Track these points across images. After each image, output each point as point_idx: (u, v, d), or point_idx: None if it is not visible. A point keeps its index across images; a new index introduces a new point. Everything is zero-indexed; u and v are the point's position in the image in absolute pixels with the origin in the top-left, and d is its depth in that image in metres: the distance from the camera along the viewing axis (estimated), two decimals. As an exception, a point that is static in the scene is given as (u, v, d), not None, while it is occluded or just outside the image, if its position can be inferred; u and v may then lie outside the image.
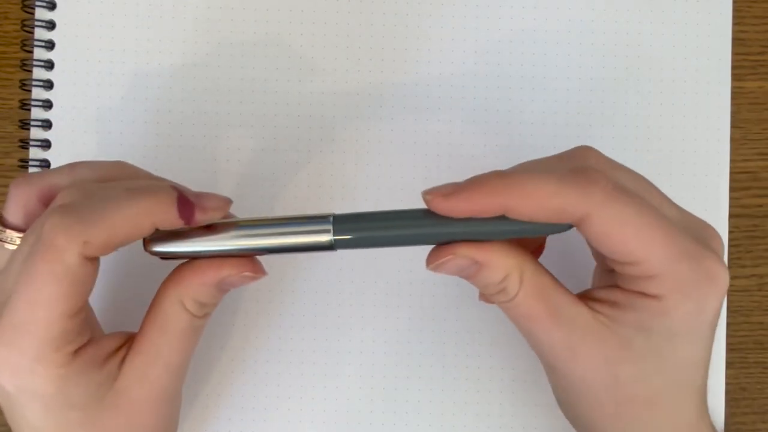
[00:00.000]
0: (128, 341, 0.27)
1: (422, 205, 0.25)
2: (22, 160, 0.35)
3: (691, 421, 0.27)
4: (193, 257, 0.26)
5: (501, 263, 0.25)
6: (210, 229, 0.26)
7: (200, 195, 0.26)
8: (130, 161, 0.35)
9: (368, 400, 0.34)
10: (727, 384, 0.35)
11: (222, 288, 0.27)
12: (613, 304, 0.26)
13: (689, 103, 0.35)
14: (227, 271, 0.26)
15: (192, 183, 0.35)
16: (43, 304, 0.24)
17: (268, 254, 0.26)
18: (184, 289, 0.26)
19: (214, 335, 0.34)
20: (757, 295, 0.36)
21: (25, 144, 0.35)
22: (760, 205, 0.36)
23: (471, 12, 0.36)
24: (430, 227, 0.25)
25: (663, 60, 0.36)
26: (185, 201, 0.25)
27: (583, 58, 0.36)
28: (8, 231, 0.27)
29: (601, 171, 0.25)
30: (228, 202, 0.27)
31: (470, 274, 0.25)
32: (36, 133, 0.35)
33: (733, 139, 0.36)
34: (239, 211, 0.35)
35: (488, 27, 0.36)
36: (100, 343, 0.27)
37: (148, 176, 0.30)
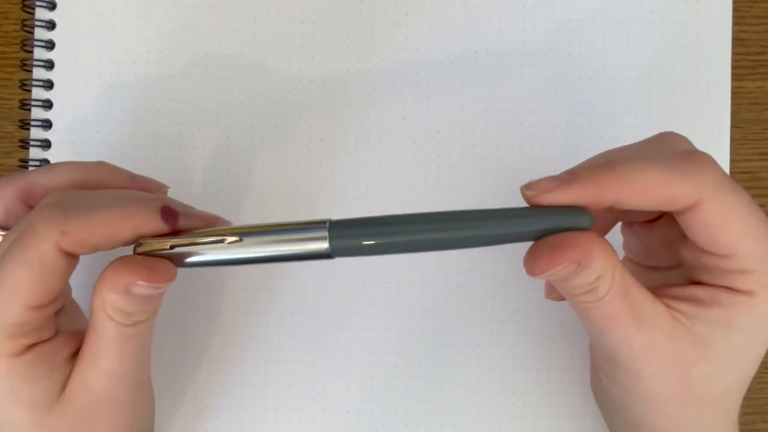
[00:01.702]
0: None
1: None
2: (22, 160, 0.35)
3: (734, 420, 0.27)
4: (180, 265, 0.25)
5: (598, 264, 0.23)
6: (185, 233, 0.25)
7: (188, 207, 0.26)
8: (131, 161, 0.35)
9: (368, 400, 0.34)
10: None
11: (134, 297, 0.25)
12: (694, 301, 0.25)
13: (689, 103, 0.35)
14: (126, 278, 0.24)
15: (192, 182, 0.35)
16: (8, 287, 0.24)
17: (260, 263, 0.25)
18: (101, 298, 0.25)
19: (200, 333, 0.34)
20: (757, 295, 0.36)
21: (25, 144, 0.35)
22: (761, 205, 0.36)
23: (471, 12, 0.36)
24: (435, 232, 0.24)
25: (663, 60, 0.36)
26: (170, 210, 0.25)
27: (583, 58, 0.36)
28: None
29: (708, 156, 0.24)
30: (215, 218, 0.26)
31: (566, 277, 0.24)
32: (36, 133, 0.35)
33: (733, 139, 0.36)
34: (241, 213, 0.35)
35: (488, 27, 0.36)
36: (61, 342, 0.26)
37: (129, 178, 0.30)
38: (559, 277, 0.24)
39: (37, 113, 0.35)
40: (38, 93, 0.35)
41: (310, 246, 0.24)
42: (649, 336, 0.24)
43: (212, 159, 0.35)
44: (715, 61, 0.36)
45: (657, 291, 0.26)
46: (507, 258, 0.35)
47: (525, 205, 0.24)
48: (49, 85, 0.35)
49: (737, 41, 0.36)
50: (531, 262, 0.24)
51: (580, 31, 0.36)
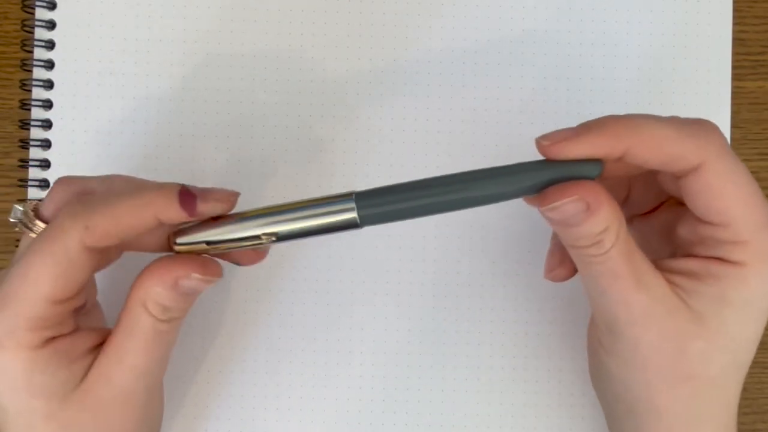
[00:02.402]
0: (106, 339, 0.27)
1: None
2: (22, 160, 0.35)
3: (734, 407, 0.27)
4: (216, 248, 0.27)
5: (606, 214, 0.24)
6: (230, 218, 0.26)
7: (206, 189, 0.26)
8: (131, 161, 0.35)
9: (368, 401, 0.34)
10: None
11: (180, 291, 0.26)
12: (689, 275, 0.26)
13: (689, 103, 0.35)
14: (178, 271, 0.26)
15: (190, 180, 0.35)
16: (31, 281, 0.25)
17: (293, 239, 0.26)
18: (144, 291, 0.26)
19: (200, 333, 0.34)
20: (757, 295, 0.36)
21: (25, 144, 0.35)
22: (760, 205, 0.36)
23: (471, 12, 0.36)
24: (451, 194, 0.25)
25: (663, 60, 0.36)
26: (187, 193, 0.26)
27: (583, 58, 0.36)
28: (38, 223, 0.28)
29: (715, 125, 0.25)
30: (234, 195, 0.27)
31: (575, 222, 0.24)
32: (36, 133, 0.35)
33: (733, 139, 0.36)
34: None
35: (488, 27, 0.36)
36: (81, 337, 0.27)
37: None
38: (567, 215, 0.24)
39: (37, 113, 0.35)
40: (38, 93, 0.35)
41: (340, 217, 0.26)
42: (648, 300, 0.25)
43: (213, 158, 0.35)
44: (715, 61, 0.36)
45: (658, 264, 0.26)
46: (507, 257, 0.35)
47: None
48: (49, 85, 0.35)
49: (737, 41, 0.36)
50: (542, 197, 0.25)
51: (580, 31, 0.36)
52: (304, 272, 0.35)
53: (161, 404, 0.30)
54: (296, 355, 0.34)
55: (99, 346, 0.27)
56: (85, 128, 0.35)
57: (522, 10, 0.36)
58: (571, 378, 0.34)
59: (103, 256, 0.27)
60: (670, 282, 0.26)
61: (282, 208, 0.26)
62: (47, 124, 0.35)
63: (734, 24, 0.36)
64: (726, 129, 0.36)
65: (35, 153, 0.35)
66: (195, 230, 0.27)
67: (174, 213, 0.26)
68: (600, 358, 0.28)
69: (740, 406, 0.35)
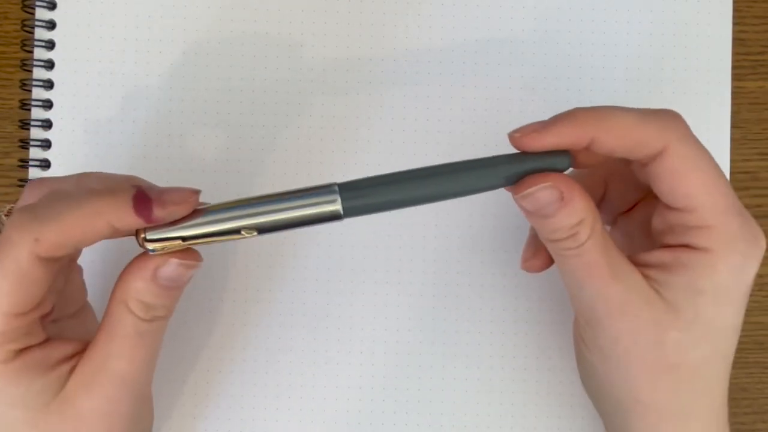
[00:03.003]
0: (86, 348, 0.26)
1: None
2: (22, 160, 0.35)
3: (722, 400, 0.27)
4: (193, 244, 0.25)
5: (581, 205, 0.25)
6: (208, 210, 0.25)
7: (162, 190, 0.25)
8: (130, 161, 0.35)
9: (367, 400, 0.34)
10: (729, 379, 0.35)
11: (161, 282, 0.25)
12: (661, 267, 0.26)
13: (689, 103, 0.35)
14: (156, 260, 0.25)
15: (191, 180, 0.35)
16: None
17: (276, 231, 0.25)
18: (124, 290, 0.25)
19: (199, 332, 0.34)
20: (758, 295, 0.36)
21: (25, 144, 0.35)
22: (760, 205, 0.36)
23: (471, 12, 0.36)
24: (432, 186, 0.25)
25: (663, 60, 0.36)
26: (142, 198, 0.24)
27: (583, 58, 0.36)
28: None
29: (677, 113, 0.26)
30: (193, 193, 0.25)
31: (550, 212, 0.25)
32: (36, 133, 0.35)
33: (733, 139, 0.36)
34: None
35: (489, 27, 0.36)
36: (54, 345, 0.26)
37: (127, 178, 0.28)
38: (541, 203, 0.25)
39: (37, 113, 0.35)
40: (38, 93, 0.35)
41: (322, 209, 0.25)
42: (624, 292, 0.25)
43: (213, 158, 0.35)
44: (715, 61, 0.36)
45: (632, 258, 0.27)
46: (507, 257, 0.35)
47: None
48: (49, 85, 0.35)
49: (737, 41, 0.36)
50: (516, 186, 0.26)
51: (580, 31, 0.36)
52: (303, 272, 0.35)
53: (150, 415, 0.29)
54: (295, 354, 0.34)
55: (78, 354, 0.26)
56: (85, 128, 0.35)
57: (522, 10, 0.36)
58: (570, 378, 0.34)
59: (62, 261, 0.25)
60: (644, 275, 0.26)
61: (263, 199, 0.25)
62: (47, 124, 0.35)
63: (734, 24, 0.36)
64: (726, 129, 0.36)
65: (35, 153, 0.35)
66: (168, 224, 0.25)
67: (129, 220, 0.24)
68: (584, 356, 0.28)
69: (740, 406, 0.35)
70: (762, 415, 0.35)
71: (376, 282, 0.35)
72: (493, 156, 0.26)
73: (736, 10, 0.36)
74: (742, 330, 0.31)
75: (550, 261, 0.29)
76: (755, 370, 0.36)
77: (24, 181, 0.35)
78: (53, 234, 0.24)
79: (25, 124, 0.35)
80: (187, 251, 0.26)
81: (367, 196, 0.25)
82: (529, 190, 0.25)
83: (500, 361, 0.35)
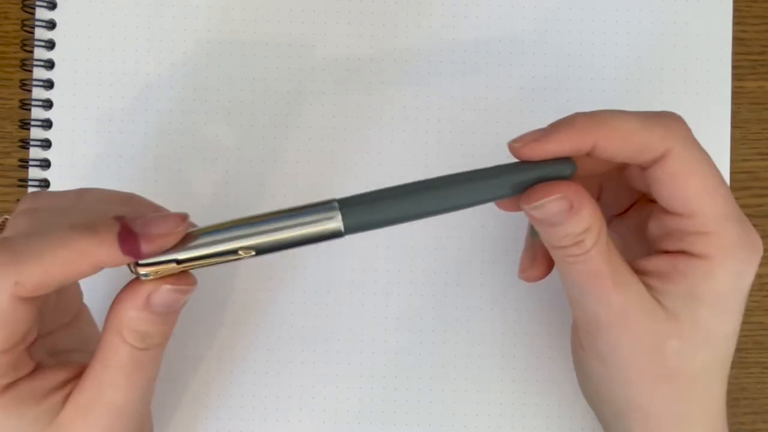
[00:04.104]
0: (81, 373, 0.25)
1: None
2: (22, 160, 0.35)
3: (720, 405, 0.27)
4: (187, 266, 0.24)
5: (588, 213, 0.25)
6: (203, 231, 0.24)
7: (148, 222, 0.24)
8: (131, 160, 0.35)
9: (367, 400, 0.34)
10: (727, 384, 0.35)
11: (154, 310, 0.24)
12: (659, 275, 0.26)
13: (689, 103, 0.35)
14: (148, 287, 0.24)
15: (191, 180, 0.35)
16: None
17: (274, 252, 0.24)
18: (117, 319, 0.24)
19: (200, 333, 0.34)
20: (758, 296, 0.36)
21: (25, 144, 0.35)
22: (760, 205, 0.36)
23: (471, 12, 0.36)
24: (436, 199, 0.25)
25: (663, 60, 0.36)
26: (128, 234, 0.23)
27: (583, 58, 0.36)
28: None
29: (679, 115, 0.26)
30: (181, 221, 0.24)
31: (559, 221, 0.25)
32: (36, 132, 0.35)
33: (733, 139, 0.36)
34: (245, 207, 0.35)
35: (489, 27, 0.36)
36: (45, 374, 0.25)
37: (123, 200, 0.28)
38: (551, 213, 0.25)
39: (37, 113, 0.35)
40: (38, 93, 0.35)
41: (322, 227, 0.24)
42: (626, 301, 0.25)
43: (213, 157, 0.35)
44: (715, 61, 0.36)
45: (632, 265, 0.26)
46: (507, 257, 0.35)
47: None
48: (49, 85, 0.35)
49: (737, 41, 0.36)
50: (526, 196, 0.25)
51: (580, 31, 0.36)
52: (304, 272, 0.35)
53: (149, 429, 0.29)
54: (296, 355, 0.34)
55: (72, 381, 0.25)
56: (85, 128, 0.35)
57: (522, 10, 0.36)
58: (570, 378, 0.34)
59: (46, 295, 0.24)
60: (644, 283, 0.26)
61: (260, 218, 0.24)
62: (47, 124, 0.35)
63: (734, 24, 0.36)
64: (726, 129, 0.36)
65: (35, 153, 0.35)
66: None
67: (116, 259, 0.23)
68: (582, 362, 0.28)
69: (740, 406, 0.35)
70: (762, 415, 0.35)
71: (376, 282, 0.35)
72: (496, 166, 0.25)
73: (736, 10, 0.36)
74: (742, 330, 0.31)
75: (548, 270, 0.29)
76: (755, 370, 0.36)
77: (24, 182, 0.35)
78: (34, 276, 0.23)
79: (25, 124, 0.35)
80: (181, 275, 0.24)
81: (368, 212, 0.24)
82: (540, 202, 0.25)
83: (500, 362, 0.35)
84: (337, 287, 0.35)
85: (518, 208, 0.27)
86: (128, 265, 0.24)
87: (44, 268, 0.23)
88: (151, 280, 0.24)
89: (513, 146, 0.25)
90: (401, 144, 0.35)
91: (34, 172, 0.35)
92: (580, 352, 0.28)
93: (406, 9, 0.36)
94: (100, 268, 0.23)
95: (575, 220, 0.25)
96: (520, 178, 0.25)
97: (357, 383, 0.34)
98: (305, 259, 0.35)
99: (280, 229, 0.24)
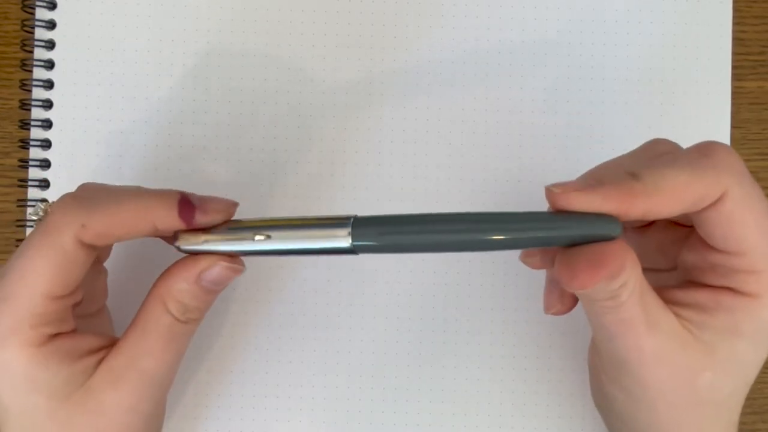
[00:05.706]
0: (113, 344, 0.27)
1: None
2: (22, 160, 0.35)
3: (736, 419, 0.27)
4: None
5: (627, 274, 0.23)
6: (219, 228, 0.26)
7: (205, 198, 0.26)
8: (131, 160, 0.35)
9: (368, 400, 0.34)
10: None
11: (203, 286, 0.26)
12: (699, 308, 0.25)
13: (689, 103, 0.35)
14: (204, 263, 0.26)
15: (191, 180, 0.35)
16: (29, 278, 0.24)
17: (285, 255, 0.26)
18: (166, 289, 0.26)
19: (200, 333, 0.34)
20: (757, 295, 0.36)
21: (25, 144, 0.35)
22: (760, 205, 0.36)
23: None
24: (460, 233, 0.23)
25: (663, 60, 0.36)
26: (187, 203, 0.26)
27: (583, 59, 0.36)
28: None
29: (725, 145, 0.24)
30: (233, 205, 0.26)
31: (598, 289, 0.23)
32: (36, 133, 0.35)
33: (733, 139, 0.36)
34: (246, 208, 0.35)
35: (488, 26, 0.36)
36: (83, 337, 0.26)
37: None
38: (593, 291, 0.23)
39: (37, 113, 0.35)
40: (38, 93, 0.35)
41: (335, 243, 0.24)
42: (659, 343, 0.24)
43: (213, 157, 0.35)
44: (715, 61, 0.36)
45: (666, 296, 0.25)
46: (508, 258, 0.35)
47: (532, 208, 0.24)
48: (49, 85, 0.35)
49: (737, 41, 0.36)
50: (569, 276, 0.23)
51: (580, 32, 0.36)
52: (304, 272, 0.35)
53: (162, 420, 0.29)
54: (296, 355, 0.34)
55: (105, 349, 0.26)
56: (85, 128, 0.35)
57: (522, 10, 0.36)
58: (571, 378, 0.34)
59: (98, 253, 0.27)
60: (678, 315, 0.25)
61: (279, 223, 0.25)
62: (47, 124, 0.35)
63: (734, 24, 0.36)
64: (726, 129, 0.36)
65: (35, 153, 0.35)
66: (198, 230, 0.26)
67: (172, 222, 0.25)
68: (603, 386, 0.27)
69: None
70: (762, 415, 0.35)
71: (377, 281, 0.35)
72: (529, 212, 0.23)
73: (736, 10, 0.36)
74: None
75: (574, 304, 0.27)
76: (755, 370, 0.36)
77: (24, 181, 0.35)
78: (100, 223, 0.25)
79: (25, 124, 0.35)
80: (233, 257, 0.26)
81: (383, 235, 0.24)
82: (587, 291, 0.23)
83: (500, 362, 0.35)
84: (337, 287, 0.35)
85: (549, 265, 0.26)
86: (176, 246, 0.26)
87: (110, 217, 0.25)
88: (208, 256, 0.26)
89: (551, 192, 0.23)
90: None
91: (34, 172, 0.35)
92: (602, 377, 0.27)
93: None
94: (155, 231, 0.25)
95: (612, 284, 0.23)
96: (558, 233, 0.23)
97: (357, 383, 0.34)
98: (305, 259, 0.35)
99: (296, 238, 0.25)
